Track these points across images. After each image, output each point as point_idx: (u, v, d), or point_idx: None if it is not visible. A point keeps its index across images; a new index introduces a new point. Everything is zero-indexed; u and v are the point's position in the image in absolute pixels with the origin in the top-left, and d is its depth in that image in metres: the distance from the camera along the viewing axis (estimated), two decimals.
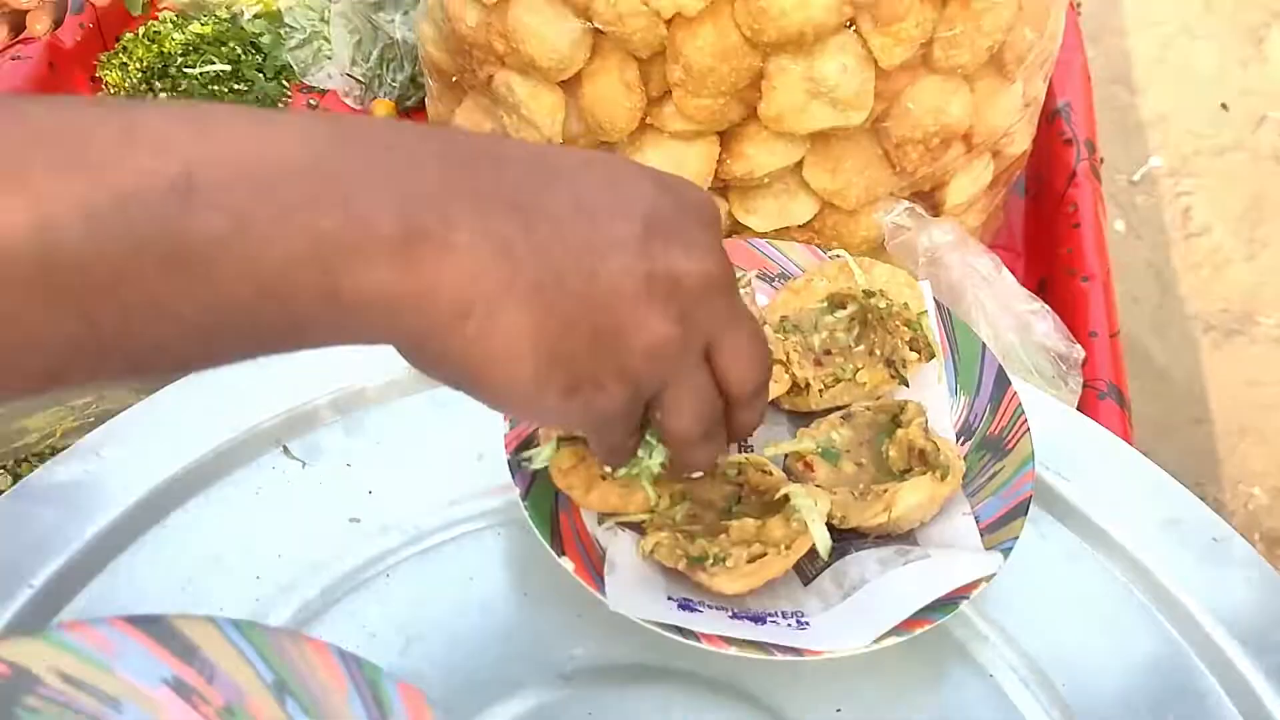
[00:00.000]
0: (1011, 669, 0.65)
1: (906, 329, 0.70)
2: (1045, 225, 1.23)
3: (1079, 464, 0.72)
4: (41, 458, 1.01)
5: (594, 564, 0.62)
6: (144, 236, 0.37)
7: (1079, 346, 1.05)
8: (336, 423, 0.72)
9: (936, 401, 0.71)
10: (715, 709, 0.62)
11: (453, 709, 0.62)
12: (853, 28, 0.93)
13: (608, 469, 0.60)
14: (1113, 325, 1.09)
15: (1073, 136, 1.25)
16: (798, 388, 0.70)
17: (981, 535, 0.65)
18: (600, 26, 0.94)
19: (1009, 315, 1.03)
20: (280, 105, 1.32)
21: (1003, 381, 0.71)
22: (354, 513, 0.69)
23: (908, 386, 0.70)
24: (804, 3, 0.89)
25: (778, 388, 0.69)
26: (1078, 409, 1.05)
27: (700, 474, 0.58)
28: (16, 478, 1.00)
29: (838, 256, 0.74)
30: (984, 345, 0.72)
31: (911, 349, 0.69)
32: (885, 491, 0.64)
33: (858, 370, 0.70)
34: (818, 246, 0.76)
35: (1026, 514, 0.65)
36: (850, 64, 0.94)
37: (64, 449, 0.69)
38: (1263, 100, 2.58)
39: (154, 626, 0.44)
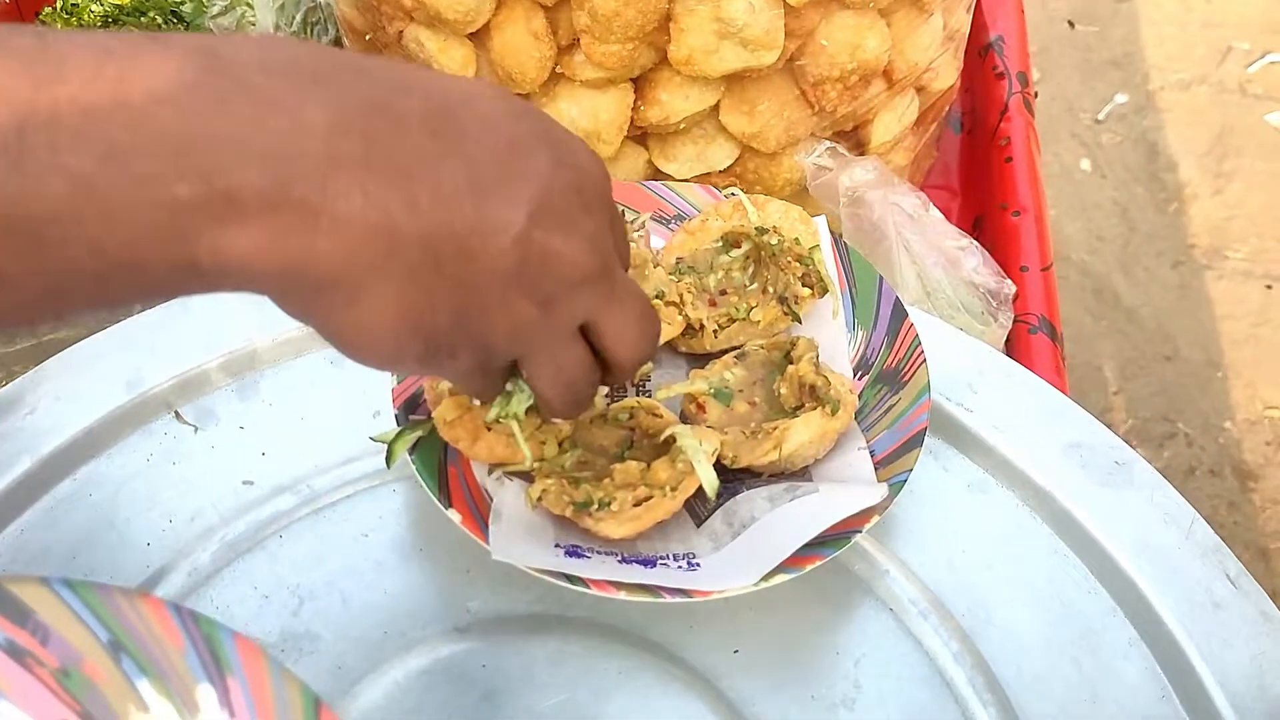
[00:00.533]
0: (911, 602, 0.64)
1: (798, 264, 0.69)
2: (979, 162, 1.21)
3: (982, 394, 0.71)
4: None
5: (483, 515, 0.62)
6: None
7: (1009, 281, 1.04)
8: (229, 386, 0.71)
9: (832, 337, 0.70)
10: (611, 656, 0.62)
11: (347, 666, 0.61)
12: None
13: (489, 418, 0.59)
14: (1045, 259, 1.08)
15: (1005, 70, 1.23)
16: (692, 329, 0.69)
17: (876, 469, 0.65)
18: None
19: (935, 252, 1.02)
20: None
21: (900, 314, 0.70)
22: (247, 475, 0.68)
23: (800, 323, 0.69)
24: None
25: (671, 330, 0.68)
26: (1008, 344, 1.05)
27: (565, 420, 0.58)
28: None
29: (733, 195, 0.73)
30: (880, 278, 0.71)
31: (804, 284, 0.69)
32: (775, 429, 0.63)
33: (751, 309, 0.69)
34: (727, 189, 0.75)
35: (921, 445, 0.64)
36: (757, 2, 0.92)
37: None
38: (1226, 32, 2.55)
39: None
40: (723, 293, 0.71)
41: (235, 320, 0.71)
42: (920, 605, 0.64)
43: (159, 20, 1.30)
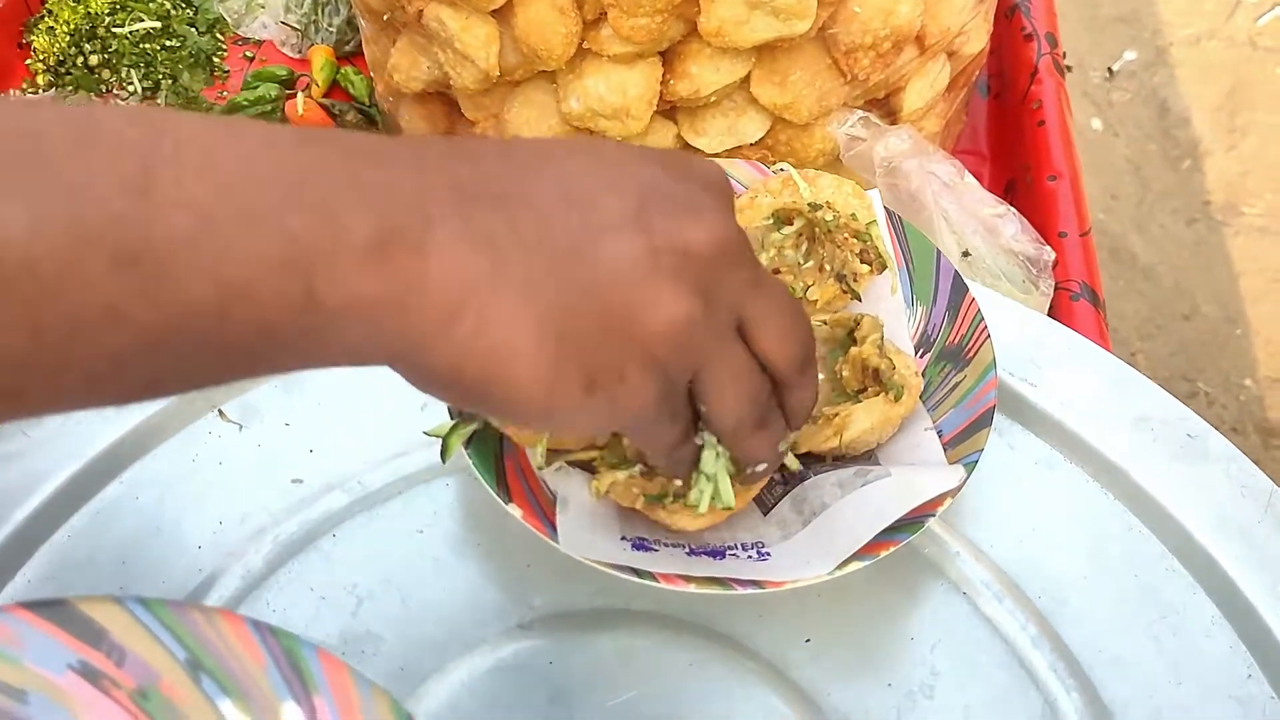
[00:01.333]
0: (985, 585, 0.63)
1: (855, 240, 0.67)
2: (1010, 126, 1.19)
3: (1045, 369, 0.69)
4: None
5: (543, 509, 0.60)
6: (95, 234, 0.35)
7: (1048, 248, 1.03)
8: (272, 381, 0.69)
9: (892, 314, 0.68)
10: (680, 649, 0.60)
11: (410, 668, 0.60)
12: None
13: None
14: (1083, 224, 1.06)
15: (1033, 31, 1.21)
16: None
17: (945, 449, 0.63)
18: None
19: (974, 220, 1.00)
20: (215, 59, 1.27)
21: (960, 288, 0.68)
22: (296, 473, 0.66)
23: (860, 301, 0.67)
24: None
25: None
26: (1050, 312, 1.03)
27: (767, 471, 0.52)
28: None
29: (781, 170, 0.71)
30: (939, 252, 0.69)
31: (862, 261, 0.67)
32: (836, 415, 0.61)
33: (808, 287, 0.67)
34: (776, 165, 0.73)
35: (990, 424, 0.62)
36: None
37: None
38: None
39: (57, 611, 0.42)
40: (776, 271, 0.69)
41: None
42: (994, 588, 0.62)
43: (167, 5, 1.27)
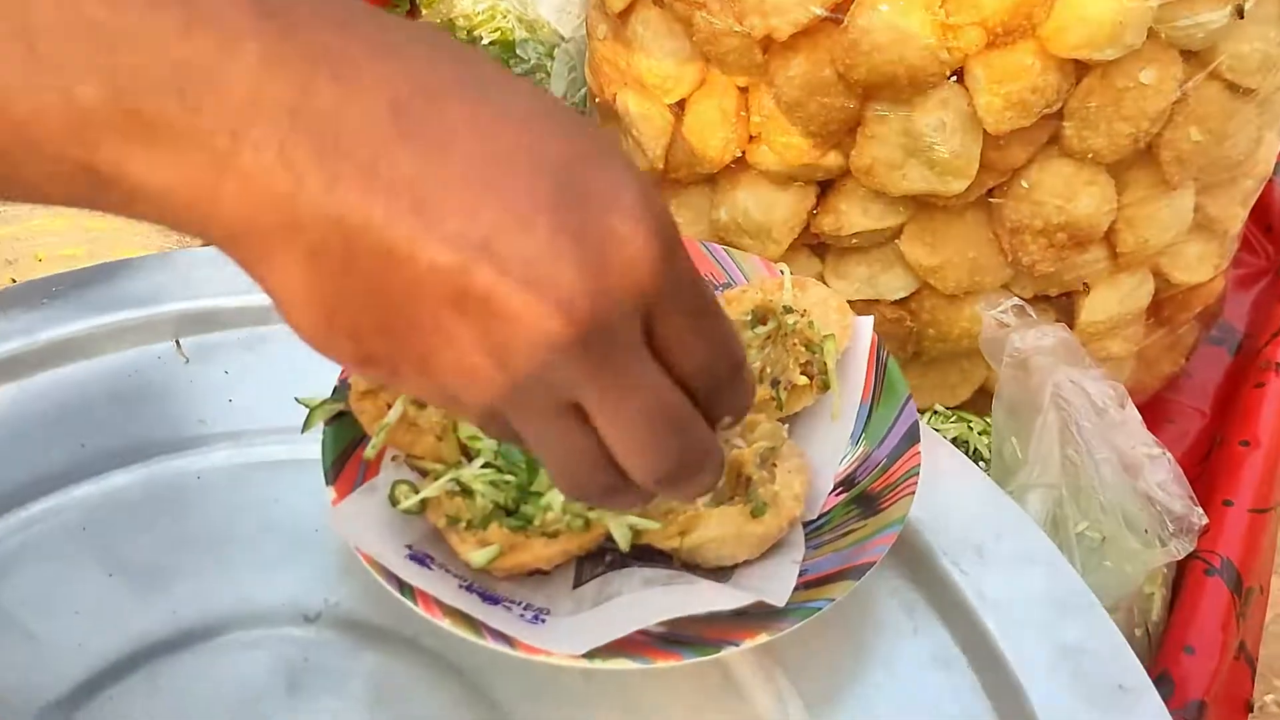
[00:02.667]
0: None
1: (804, 350, 0.60)
2: (1233, 385, 1.05)
3: (986, 560, 0.59)
4: None
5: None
6: None
7: (1200, 511, 0.88)
8: (236, 331, 0.71)
9: (827, 442, 0.61)
10: (446, 700, 0.55)
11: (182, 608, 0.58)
12: (958, 80, 0.84)
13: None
14: (1263, 500, 0.91)
15: None
16: None
17: (803, 589, 0.55)
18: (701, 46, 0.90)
19: (1111, 450, 0.87)
20: None
21: (911, 437, 0.59)
22: (203, 415, 0.67)
23: (782, 410, 0.60)
24: (900, 41, 0.81)
25: None
26: (1175, 578, 0.89)
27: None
28: None
29: (782, 273, 0.66)
30: (908, 398, 0.61)
31: (803, 373, 0.60)
32: (684, 515, 0.55)
33: None
34: (780, 264, 0.68)
35: (859, 578, 0.54)
36: (950, 120, 0.84)
37: None
38: None
39: None
40: None
41: None
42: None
43: None
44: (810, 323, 0.61)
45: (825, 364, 0.60)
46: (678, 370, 0.40)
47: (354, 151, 0.36)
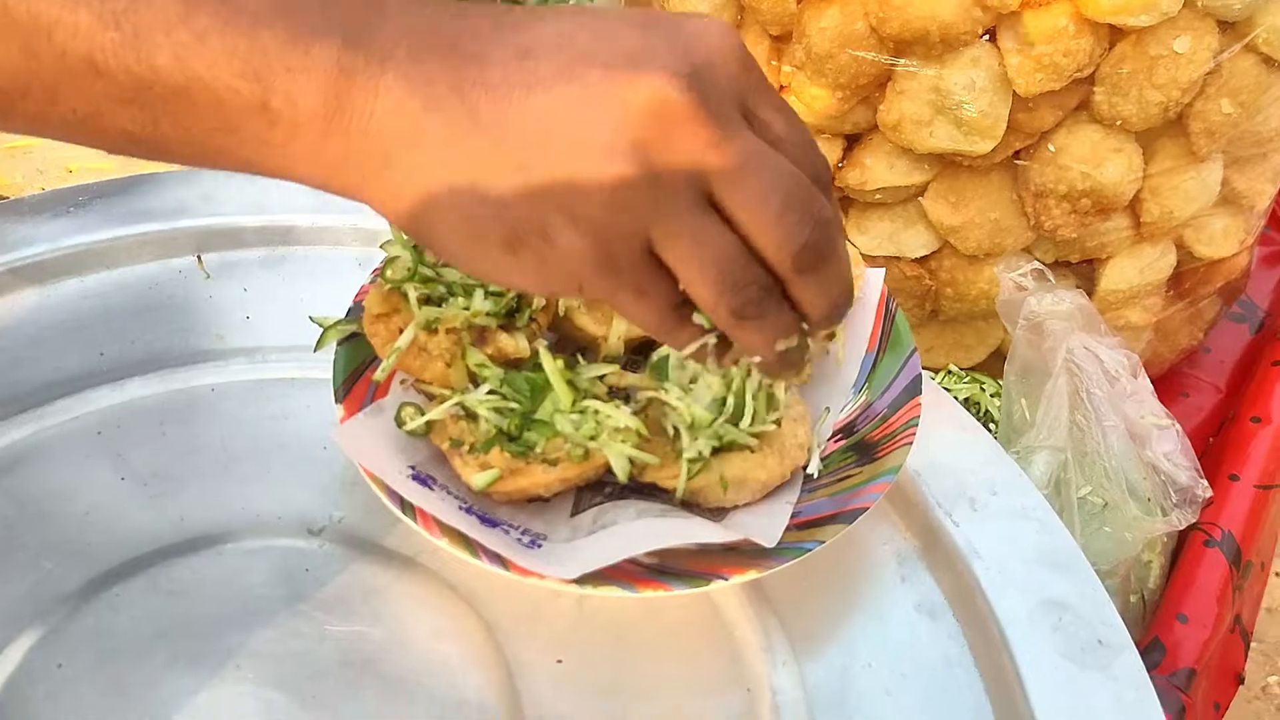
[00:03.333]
0: (776, 692, 0.54)
1: None
2: (1251, 362, 1.04)
3: (979, 512, 0.60)
4: None
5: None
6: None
7: (1205, 483, 0.88)
8: (257, 250, 0.72)
9: (832, 393, 0.62)
10: (431, 614, 0.56)
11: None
12: (990, 39, 0.83)
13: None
14: (1271, 476, 0.91)
15: None
16: None
17: (795, 530, 0.56)
18: None
19: (1119, 417, 0.88)
20: None
21: (913, 390, 0.60)
22: (221, 330, 0.68)
23: None
24: None
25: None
26: (1174, 548, 0.89)
27: (759, 361, 0.47)
28: None
29: None
30: (913, 351, 0.62)
31: None
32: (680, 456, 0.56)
33: None
34: None
35: (850, 523, 0.54)
36: (980, 80, 0.84)
37: None
38: None
39: None
40: None
41: (283, 190, 0.73)
42: (786, 694, 0.54)
43: None
44: None
45: None
46: (785, 157, 0.43)
47: (471, 51, 0.41)
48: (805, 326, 0.46)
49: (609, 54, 0.41)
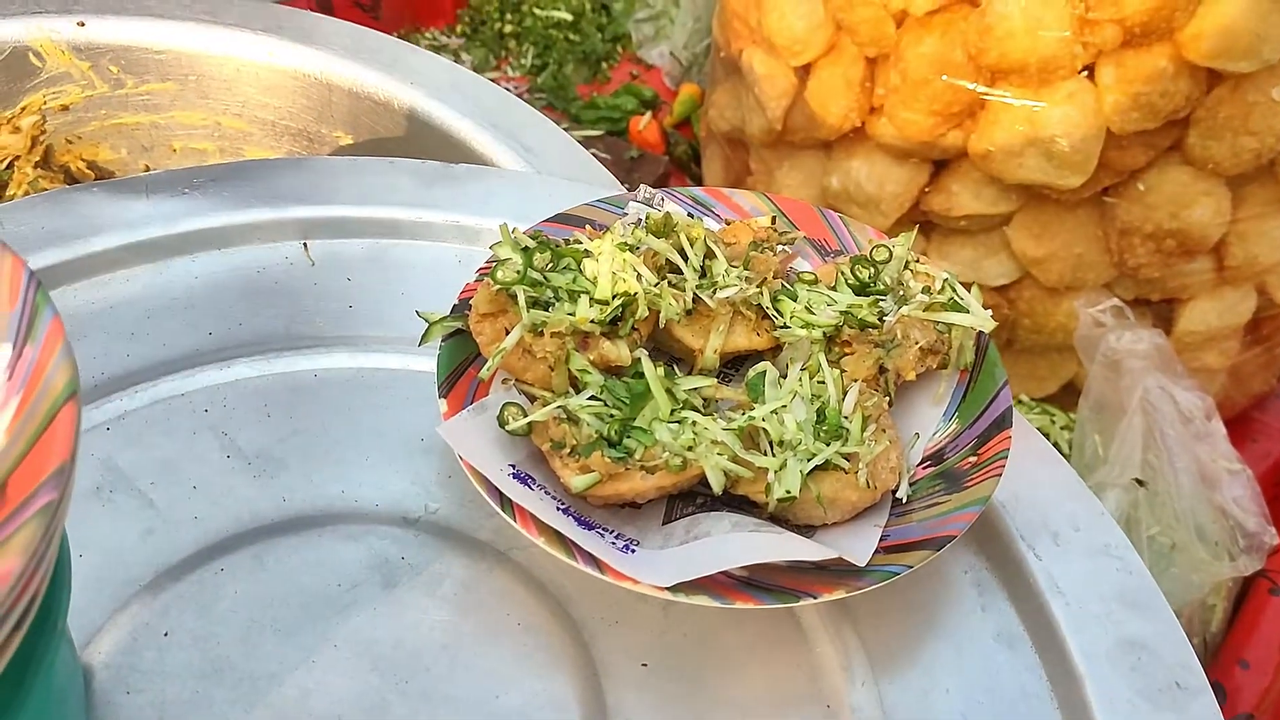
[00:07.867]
0: (853, 710, 0.55)
1: (932, 329, 0.62)
2: None
3: (1062, 547, 0.60)
4: None
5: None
6: None
7: (1273, 530, 0.89)
8: (361, 241, 0.74)
9: (925, 421, 0.63)
10: (514, 607, 0.58)
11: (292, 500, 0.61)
12: (1088, 75, 0.84)
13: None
14: None
15: None
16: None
17: (881, 554, 0.57)
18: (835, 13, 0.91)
19: (1191, 459, 0.88)
20: (605, 65, 1.37)
21: (1003, 422, 0.61)
22: (324, 317, 0.70)
23: (889, 398, 0.62)
24: (1034, 30, 0.82)
25: (761, 340, 0.63)
26: (1239, 593, 0.90)
27: None
28: None
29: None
30: (1005, 381, 0.63)
31: (932, 352, 0.61)
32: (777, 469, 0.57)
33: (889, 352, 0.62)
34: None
35: (938, 550, 0.55)
36: (1075, 115, 0.85)
37: None
38: None
39: None
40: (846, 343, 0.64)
41: (388, 182, 0.75)
42: (867, 718, 0.55)
43: (585, 5, 1.38)
44: (951, 299, 0.62)
45: (956, 346, 0.62)
46: None
47: None
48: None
49: None
